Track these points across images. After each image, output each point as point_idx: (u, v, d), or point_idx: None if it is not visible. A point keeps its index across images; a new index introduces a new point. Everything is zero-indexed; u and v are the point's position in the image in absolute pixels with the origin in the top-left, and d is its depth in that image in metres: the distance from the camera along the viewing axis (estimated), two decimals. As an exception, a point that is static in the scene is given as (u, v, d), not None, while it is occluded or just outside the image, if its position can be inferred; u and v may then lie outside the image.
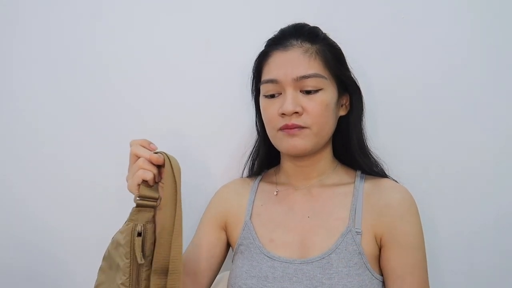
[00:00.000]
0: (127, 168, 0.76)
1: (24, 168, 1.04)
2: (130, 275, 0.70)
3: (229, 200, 0.91)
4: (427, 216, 0.84)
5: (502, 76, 0.97)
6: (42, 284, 1.06)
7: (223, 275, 0.94)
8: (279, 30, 0.87)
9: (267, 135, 0.89)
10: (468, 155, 0.99)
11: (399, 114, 1.00)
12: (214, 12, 1.01)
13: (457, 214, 1.00)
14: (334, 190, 0.85)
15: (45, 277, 1.06)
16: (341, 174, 0.88)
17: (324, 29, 0.87)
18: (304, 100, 0.79)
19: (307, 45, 0.81)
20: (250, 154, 0.96)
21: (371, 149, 0.89)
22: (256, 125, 0.95)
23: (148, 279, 0.71)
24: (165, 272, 0.71)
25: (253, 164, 0.95)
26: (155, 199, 0.74)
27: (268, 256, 0.80)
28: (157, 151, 0.75)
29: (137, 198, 0.73)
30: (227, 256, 0.92)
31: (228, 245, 0.91)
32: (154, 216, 0.74)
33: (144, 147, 0.74)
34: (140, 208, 0.73)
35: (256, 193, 0.90)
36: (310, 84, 0.79)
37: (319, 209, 0.83)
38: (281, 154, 0.91)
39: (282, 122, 0.80)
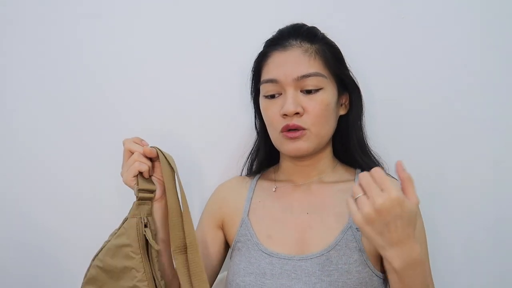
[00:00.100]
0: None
1: (23, 169, 1.04)
2: (144, 269, 0.72)
3: (226, 198, 0.91)
4: (427, 216, 0.84)
5: (502, 76, 0.97)
6: (42, 284, 1.06)
7: (223, 275, 0.94)
8: (277, 31, 0.87)
9: (267, 135, 0.89)
10: (468, 154, 0.99)
11: (399, 114, 1.00)
12: (214, 12, 1.01)
13: (457, 214, 1.00)
14: (333, 187, 0.85)
15: (45, 278, 1.06)
16: (341, 172, 0.88)
17: (324, 29, 0.87)
18: (305, 100, 0.79)
19: (306, 45, 0.81)
20: (249, 154, 0.96)
21: (371, 148, 0.89)
22: (255, 126, 0.95)
23: (160, 269, 0.75)
24: (184, 249, 0.75)
25: (251, 164, 0.95)
26: (152, 191, 0.78)
27: (265, 253, 0.79)
28: (149, 146, 0.80)
29: (138, 191, 0.77)
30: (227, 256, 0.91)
31: (227, 244, 0.90)
32: (151, 209, 0.78)
33: (137, 143, 0.79)
34: (140, 201, 0.77)
35: (254, 190, 0.90)
36: (310, 83, 0.79)
37: (319, 206, 0.83)
38: (280, 153, 0.91)
39: (284, 122, 0.79)
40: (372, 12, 0.99)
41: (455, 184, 0.99)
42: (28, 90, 1.03)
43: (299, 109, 0.78)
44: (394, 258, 0.63)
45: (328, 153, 0.88)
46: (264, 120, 0.86)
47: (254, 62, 0.88)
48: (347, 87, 0.86)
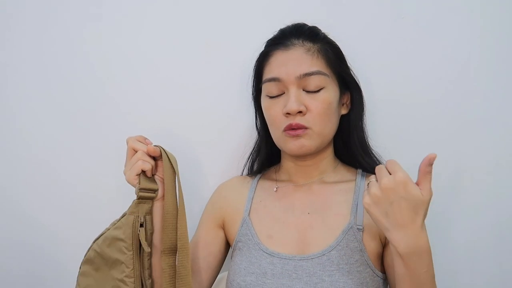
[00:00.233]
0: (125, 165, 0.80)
1: (26, 168, 1.04)
2: (134, 266, 0.74)
3: (227, 197, 0.91)
4: (428, 217, 0.83)
5: (502, 76, 0.97)
6: (42, 284, 1.05)
7: (224, 275, 0.93)
8: (279, 30, 0.87)
9: (268, 135, 0.89)
10: (468, 154, 0.99)
11: (399, 114, 1.00)
12: (213, 12, 1.01)
13: (458, 214, 0.99)
14: (335, 187, 0.85)
15: (45, 277, 1.05)
16: (342, 172, 0.88)
17: (324, 28, 0.87)
18: (307, 99, 0.79)
19: (308, 44, 0.81)
20: (250, 155, 0.96)
21: (372, 148, 0.89)
22: (256, 126, 0.95)
23: (150, 268, 0.76)
24: (173, 251, 0.77)
25: (252, 165, 0.95)
26: (154, 191, 0.78)
27: (266, 253, 0.79)
28: (153, 145, 0.80)
29: (139, 190, 0.77)
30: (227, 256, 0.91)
31: (228, 244, 0.90)
32: (151, 208, 0.79)
33: (140, 142, 0.79)
34: (140, 200, 0.77)
35: (255, 190, 0.89)
36: (313, 82, 0.79)
37: (320, 205, 0.82)
38: (282, 153, 0.91)
39: (287, 121, 0.79)
40: (372, 12, 0.99)
41: (455, 183, 0.99)
42: (32, 89, 1.02)
43: (302, 108, 0.78)
44: (398, 241, 0.64)
45: (329, 153, 0.87)
46: (266, 119, 0.86)
47: (256, 61, 0.88)
48: (348, 86, 0.86)
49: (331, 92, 0.80)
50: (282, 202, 0.85)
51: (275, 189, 0.88)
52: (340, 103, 0.85)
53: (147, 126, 1.01)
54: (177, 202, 0.78)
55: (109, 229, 0.78)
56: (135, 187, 0.78)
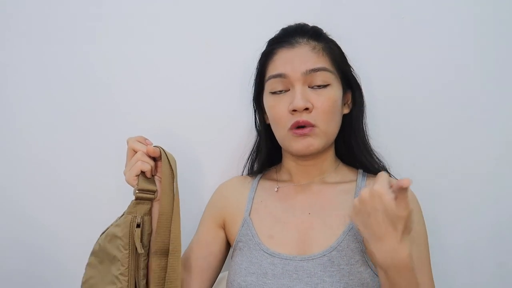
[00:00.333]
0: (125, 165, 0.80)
1: (23, 169, 1.03)
2: (129, 265, 0.74)
3: (228, 197, 0.91)
4: (428, 216, 0.84)
5: (503, 76, 0.97)
6: (42, 283, 1.05)
7: (224, 274, 0.93)
8: (281, 30, 0.87)
9: (267, 135, 0.89)
10: (469, 154, 0.99)
11: (400, 114, 1.00)
12: (213, 12, 1.01)
13: (457, 214, 1.00)
14: (336, 187, 0.85)
15: (46, 277, 1.05)
16: (343, 173, 0.88)
17: (323, 28, 0.87)
18: (313, 95, 0.79)
19: (313, 43, 0.81)
20: (249, 155, 0.96)
21: (373, 148, 0.89)
22: (256, 125, 0.94)
23: (146, 268, 0.77)
24: (165, 253, 0.77)
25: (252, 165, 0.95)
26: (153, 192, 0.78)
27: (267, 253, 0.79)
28: (153, 146, 0.80)
29: (137, 191, 0.77)
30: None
31: (228, 244, 0.90)
32: (151, 209, 0.79)
33: (140, 142, 0.79)
34: (138, 201, 0.77)
35: (256, 190, 0.89)
36: (319, 78, 0.79)
37: (320, 206, 0.82)
38: (283, 152, 0.91)
39: (293, 119, 0.78)
40: (372, 12, 0.99)
41: (455, 184, 0.99)
42: (32, 89, 1.02)
43: (308, 105, 0.77)
44: (375, 253, 0.65)
45: (331, 153, 0.87)
46: (270, 118, 0.85)
47: (259, 60, 0.87)
48: (351, 85, 0.86)
49: (336, 90, 0.81)
50: (283, 203, 0.85)
51: (276, 189, 0.88)
52: (343, 103, 0.85)
53: (147, 126, 1.01)
54: (172, 204, 0.78)
55: (112, 225, 0.79)
56: (133, 187, 0.78)
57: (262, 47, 0.88)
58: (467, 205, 0.99)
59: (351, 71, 0.87)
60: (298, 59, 0.79)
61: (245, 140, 1.00)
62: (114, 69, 1.02)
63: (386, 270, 0.64)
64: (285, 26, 0.88)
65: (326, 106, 0.78)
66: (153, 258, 0.76)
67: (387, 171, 0.88)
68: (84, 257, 1.01)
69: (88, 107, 1.02)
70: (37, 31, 1.01)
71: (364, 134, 0.88)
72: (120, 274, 0.74)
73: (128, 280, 0.74)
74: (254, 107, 0.93)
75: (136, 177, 0.77)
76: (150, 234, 0.78)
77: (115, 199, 0.99)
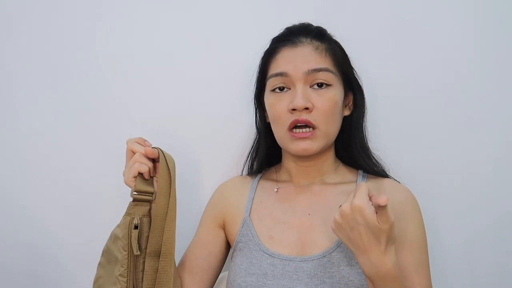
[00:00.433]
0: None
1: (23, 169, 1.03)
2: (128, 266, 0.74)
3: (228, 197, 0.90)
4: (428, 217, 0.84)
5: (503, 76, 0.97)
6: (43, 283, 1.05)
7: (224, 275, 0.94)
8: (285, 28, 0.87)
9: (267, 134, 0.89)
10: (469, 156, 0.99)
11: (399, 114, 1.00)
12: (213, 12, 1.01)
13: (458, 215, 1.00)
14: (335, 188, 0.85)
15: (46, 277, 1.05)
16: (343, 174, 0.88)
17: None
18: (314, 96, 0.78)
19: (317, 43, 0.81)
20: (249, 153, 0.95)
21: (372, 151, 0.89)
22: (256, 124, 0.94)
23: (144, 270, 0.76)
24: (158, 255, 0.76)
25: (252, 164, 0.95)
26: (151, 194, 0.78)
27: (267, 253, 0.79)
28: (152, 147, 0.80)
29: (134, 193, 0.77)
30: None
31: (228, 244, 0.90)
32: (150, 210, 0.78)
33: (139, 143, 0.79)
34: (136, 202, 0.77)
35: (255, 190, 0.89)
36: (320, 78, 0.79)
37: (320, 207, 0.82)
38: (283, 153, 0.91)
39: (292, 117, 0.78)
40: (372, 12, 0.99)
41: (455, 184, 0.99)
42: (33, 90, 1.02)
43: (309, 105, 0.77)
44: (361, 264, 0.66)
45: (331, 154, 0.87)
46: (270, 116, 0.85)
47: (262, 58, 0.87)
48: (352, 87, 0.86)
49: (337, 91, 0.80)
50: (283, 203, 0.85)
51: (275, 189, 0.88)
52: (343, 104, 0.85)
53: (148, 126, 1.01)
54: (168, 206, 0.77)
55: (118, 224, 0.79)
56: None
57: (262, 47, 0.87)
58: (467, 205, 0.99)
59: (353, 73, 0.86)
60: (301, 59, 0.79)
61: (245, 141, 1.00)
62: (114, 69, 1.02)
63: (373, 280, 0.66)
64: (284, 26, 0.87)
65: (327, 106, 0.78)
66: (147, 259, 0.76)
67: (386, 173, 0.88)
68: (84, 257, 1.02)
69: (88, 107, 1.02)
70: (45, 31, 1.01)
71: (364, 137, 0.88)
72: (120, 275, 0.74)
73: (127, 281, 0.74)
74: (255, 104, 0.92)
75: (134, 179, 0.77)
76: (148, 236, 0.77)
77: (116, 199, 0.99)
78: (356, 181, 0.85)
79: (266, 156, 0.92)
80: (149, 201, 0.78)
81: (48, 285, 1.06)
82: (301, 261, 0.76)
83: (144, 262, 0.76)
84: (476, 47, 0.98)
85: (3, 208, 1.04)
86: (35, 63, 1.02)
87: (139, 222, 0.76)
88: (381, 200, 0.61)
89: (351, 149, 0.87)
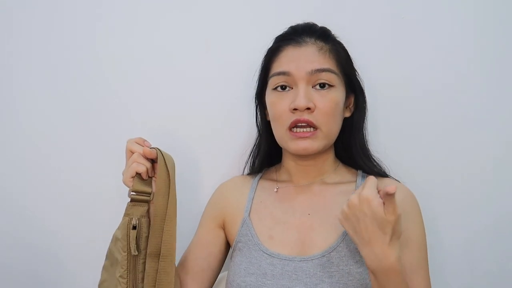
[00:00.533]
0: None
1: (23, 169, 1.03)
2: (127, 267, 0.74)
3: (228, 197, 0.90)
4: (428, 217, 0.84)
5: (503, 76, 0.97)
6: (43, 283, 1.05)
7: (224, 275, 0.94)
8: (289, 27, 0.87)
9: (268, 133, 0.89)
10: (469, 157, 0.99)
11: (400, 116, 1.00)
12: (213, 12, 1.01)
13: (458, 215, 0.99)
14: (335, 188, 0.85)
15: (45, 278, 1.05)
16: (343, 174, 0.88)
17: (323, 28, 0.87)
18: (316, 96, 0.78)
19: (321, 43, 0.81)
20: (251, 152, 0.95)
21: (372, 152, 0.89)
22: (257, 123, 0.94)
23: (144, 270, 0.76)
24: (159, 255, 0.76)
25: (253, 162, 0.95)
26: (148, 194, 0.78)
27: (267, 253, 0.79)
28: (151, 147, 0.79)
29: (131, 193, 0.77)
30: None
31: (228, 244, 0.90)
32: (148, 211, 0.78)
33: (139, 144, 0.79)
34: (134, 202, 0.77)
35: (255, 190, 0.89)
36: (323, 79, 0.78)
37: (320, 207, 0.82)
38: (283, 152, 0.91)
39: (293, 117, 0.78)
40: (372, 12, 0.99)
41: (455, 184, 0.99)
42: (33, 90, 1.02)
43: (310, 105, 0.77)
44: (365, 256, 0.67)
45: (331, 154, 0.87)
46: (271, 115, 0.84)
47: (264, 56, 0.87)
48: (354, 89, 0.86)
49: (339, 92, 0.80)
50: (283, 203, 0.85)
51: (275, 189, 0.88)
52: (345, 106, 0.85)
53: (148, 126, 1.01)
54: (167, 206, 0.77)
55: (118, 225, 0.79)
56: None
57: (262, 47, 0.87)
58: (467, 205, 0.99)
59: (355, 74, 0.86)
60: (304, 58, 0.79)
61: (245, 140, 1.00)
62: (114, 69, 1.02)
63: (376, 273, 0.66)
64: (284, 26, 0.87)
65: (328, 107, 0.78)
66: (148, 260, 0.75)
67: (386, 174, 0.88)
68: (84, 257, 1.02)
69: (88, 107, 1.02)
70: (37, 31, 1.01)
71: (363, 139, 0.88)
72: (120, 276, 0.74)
73: (127, 282, 0.74)
74: (256, 102, 0.92)
75: (132, 179, 0.77)
76: (147, 236, 0.77)
77: (116, 199, 0.99)
78: (356, 181, 0.85)
79: (267, 155, 0.92)
80: (147, 202, 0.78)
81: (48, 285, 1.06)
82: (300, 261, 0.76)
83: (143, 262, 0.76)
84: (476, 47, 0.98)
85: (3, 208, 1.04)
86: (35, 63, 1.02)
87: (137, 222, 0.75)
88: (390, 188, 0.62)
89: (351, 150, 0.87)
